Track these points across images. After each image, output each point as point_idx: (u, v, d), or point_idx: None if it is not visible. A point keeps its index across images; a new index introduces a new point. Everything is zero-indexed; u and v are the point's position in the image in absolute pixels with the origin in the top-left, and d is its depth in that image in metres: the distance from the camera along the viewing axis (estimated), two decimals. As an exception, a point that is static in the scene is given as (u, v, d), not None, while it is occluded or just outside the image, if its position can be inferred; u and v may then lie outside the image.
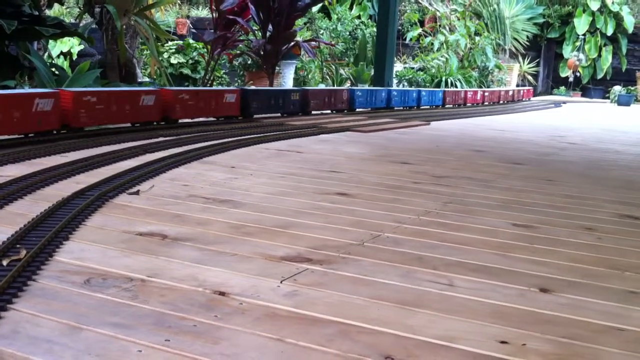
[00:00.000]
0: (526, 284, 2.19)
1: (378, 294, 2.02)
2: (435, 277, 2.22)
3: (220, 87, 7.78)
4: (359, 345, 1.64)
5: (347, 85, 15.36)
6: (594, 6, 21.81)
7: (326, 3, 17.36)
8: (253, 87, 9.12)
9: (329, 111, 9.24)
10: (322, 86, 14.09)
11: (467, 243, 2.71)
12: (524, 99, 17.95)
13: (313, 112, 8.79)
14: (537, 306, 1.99)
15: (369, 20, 18.77)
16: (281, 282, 2.07)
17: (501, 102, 15.80)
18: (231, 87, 7.86)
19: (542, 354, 1.66)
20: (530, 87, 19.98)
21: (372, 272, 2.24)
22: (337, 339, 1.67)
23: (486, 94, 15.15)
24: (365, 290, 2.05)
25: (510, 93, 16.99)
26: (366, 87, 13.19)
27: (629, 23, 21.74)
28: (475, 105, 14.10)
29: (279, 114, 8.21)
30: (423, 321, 1.82)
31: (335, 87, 10.55)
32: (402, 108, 11.35)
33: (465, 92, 14.02)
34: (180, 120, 6.63)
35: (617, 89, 20.75)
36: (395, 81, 15.36)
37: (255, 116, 7.71)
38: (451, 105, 13.17)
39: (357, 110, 9.92)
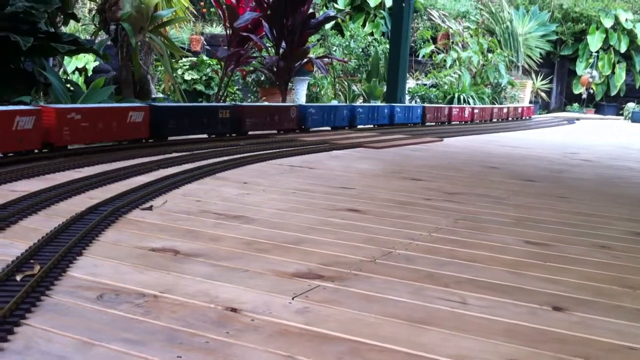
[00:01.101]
0: (538, 302, 2.18)
1: (389, 312, 2.02)
2: (447, 295, 2.21)
3: (123, 104, 6.10)
4: (370, 363, 1.64)
5: (360, 101, 15.38)
6: (608, 23, 21.79)
7: (339, 20, 17.44)
8: (168, 104, 7.33)
9: (275, 131, 7.98)
10: (334, 102, 14.11)
11: (478, 260, 2.70)
12: (524, 117, 16.88)
13: (251, 133, 7.48)
14: (549, 324, 1.98)
15: (382, 37, 18.85)
16: (293, 299, 2.08)
17: (494, 120, 14.81)
18: (137, 104, 6.25)
19: (554, 373, 1.65)
20: (532, 105, 18.83)
21: (383, 289, 2.24)
22: (348, 357, 1.67)
23: (475, 111, 14.04)
24: (376, 307, 2.05)
25: (505, 111, 15.85)
26: (321, 104, 11.97)
27: (643, 40, 21.69)
28: (464, 124, 13.06)
29: (205, 135, 6.88)
30: (434, 339, 1.82)
31: (280, 104, 8.74)
32: (372, 126, 10.18)
33: (450, 108, 12.99)
34: (70, 147, 5.31)
35: (631, 105, 20.69)
36: (407, 97, 15.37)
37: (172, 138, 6.35)
38: (434, 123, 12.08)
39: (311, 129, 8.66)
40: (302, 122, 8.44)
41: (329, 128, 9.07)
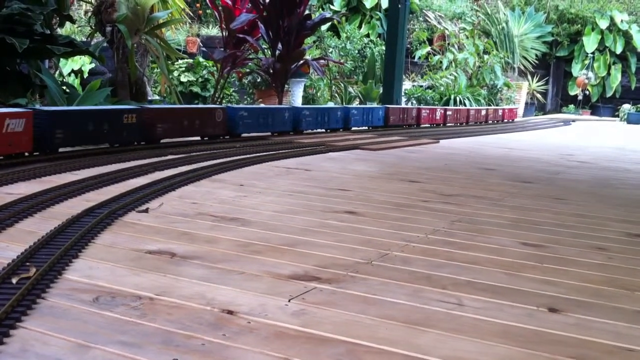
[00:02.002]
0: (535, 304, 2.18)
1: (386, 314, 2.01)
2: (444, 297, 2.21)
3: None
4: (366, 365, 1.64)
5: (356, 103, 15.39)
6: (603, 24, 21.84)
7: (335, 22, 17.45)
8: (57, 107, 5.69)
9: (198, 138, 6.84)
10: (331, 104, 14.10)
11: (475, 262, 2.70)
12: (505, 120, 15.95)
13: (163, 141, 6.35)
14: (546, 326, 1.98)
15: (378, 38, 18.87)
16: (289, 301, 2.07)
17: (470, 122, 13.76)
18: (16, 109, 4.96)
19: (551, 374, 1.65)
20: (515, 107, 17.85)
21: (380, 291, 2.24)
22: (344, 359, 1.66)
23: (448, 113, 12.90)
24: (373, 309, 2.05)
25: (484, 113, 14.78)
26: (256, 105, 10.96)
27: (638, 41, 21.75)
28: (435, 126, 12.05)
29: (106, 144, 5.77)
30: (431, 341, 1.82)
31: (202, 106, 7.60)
32: (323, 131, 9.06)
33: (419, 110, 11.82)
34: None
35: (627, 107, 20.73)
36: (404, 99, 15.38)
37: (63, 149, 5.26)
38: (395, 125, 10.79)
39: (243, 135, 7.55)
40: (232, 128, 7.21)
41: (258, 133, 7.81)
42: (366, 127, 9.95)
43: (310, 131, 8.77)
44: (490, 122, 14.96)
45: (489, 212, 3.89)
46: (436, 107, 12.88)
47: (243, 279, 2.29)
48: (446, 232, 3.26)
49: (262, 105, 11.12)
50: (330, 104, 14.03)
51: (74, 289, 2.07)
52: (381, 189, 4.58)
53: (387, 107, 10.56)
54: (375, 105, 13.04)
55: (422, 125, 11.57)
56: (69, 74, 13.37)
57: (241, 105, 7.99)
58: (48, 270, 2.18)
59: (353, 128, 9.71)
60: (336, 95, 15.92)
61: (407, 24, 15.35)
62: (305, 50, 10.92)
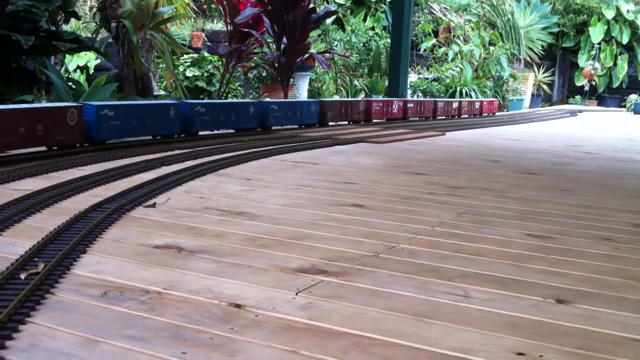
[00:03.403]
0: (542, 295, 2.19)
1: (393, 306, 2.02)
2: (450, 289, 2.22)
3: None
4: (374, 358, 1.65)
5: (362, 96, 15.37)
6: (609, 15, 21.73)
7: (340, 15, 17.41)
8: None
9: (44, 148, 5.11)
10: (336, 97, 14.09)
11: (482, 254, 2.70)
12: (484, 114, 14.09)
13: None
14: (553, 317, 1.99)
15: (383, 31, 18.82)
16: (296, 294, 2.08)
17: (438, 117, 12.03)
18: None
19: (558, 365, 1.66)
20: (496, 100, 15.92)
21: (387, 283, 2.24)
22: (352, 351, 1.67)
23: (409, 105, 11.07)
24: (380, 302, 2.06)
25: (456, 106, 12.93)
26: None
27: (645, 31, 21.64)
28: (391, 121, 10.30)
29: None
30: (438, 333, 1.82)
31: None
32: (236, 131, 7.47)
33: (369, 103, 9.98)
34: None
35: (633, 97, 20.63)
36: (409, 92, 15.35)
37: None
38: (334, 124, 9.04)
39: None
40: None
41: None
42: (297, 126, 8.27)
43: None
44: (465, 116, 13.18)
45: (495, 204, 3.89)
46: (392, 99, 10.92)
47: (250, 272, 2.30)
48: (452, 224, 3.26)
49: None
50: (336, 97, 14.00)
51: (83, 284, 2.09)
52: (387, 182, 4.58)
53: (321, 101, 8.86)
54: (304, 99, 11.69)
55: (374, 121, 10.02)
56: (75, 70, 13.39)
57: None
58: (56, 266, 2.19)
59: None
60: (342, 88, 15.90)
61: (412, 16, 15.30)
62: (310, 43, 10.90)
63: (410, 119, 10.99)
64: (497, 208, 3.77)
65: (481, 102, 14.39)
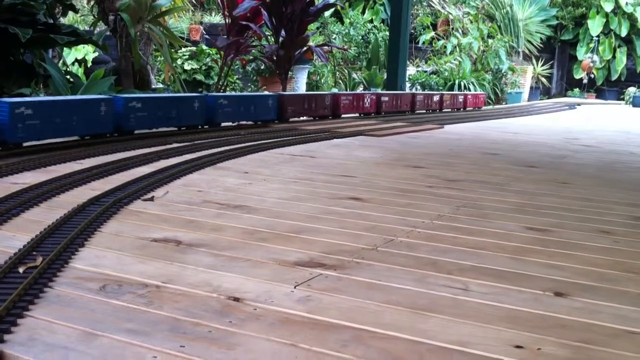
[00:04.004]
0: (541, 288, 2.19)
1: (392, 299, 2.02)
2: (449, 282, 2.22)
3: None
4: (372, 351, 1.64)
5: (360, 89, 15.35)
6: (608, 7, 21.70)
7: (338, 7, 17.38)
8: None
9: None
10: (334, 90, 14.08)
11: (481, 247, 2.70)
12: (468, 109, 13.21)
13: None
14: (552, 310, 1.99)
15: (382, 24, 18.78)
16: (295, 288, 2.08)
17: (418, 110, 11.15)
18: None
19: (558, 358, 1.66)
20: (483, 93, 14.82)
21: (385, 277, 2.24)
22: (350, 344, 1.67)
23: (384, 99, 10.13)
24: (378, 295, 2.06)
25: (436, 99, 12.00)
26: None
27: (643, 24, 21.61)
28: (364, 116, 9.57)
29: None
30: (437, 326, 1.82)
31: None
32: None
33: (336, 97, 9.11)
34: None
35: (632, 90, 20.64)
36: (408, 85, 15.33)
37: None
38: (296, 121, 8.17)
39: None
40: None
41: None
42: (252, 122, 7.46)
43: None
44: (447, 110, 12.36)
45: (494, 197, 3.89)
46: (364, 93, 10.26)
47: (249, 266, 2.29)
48: (451, 218, 3.26)
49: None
50: (334, 91, 13.99)
51: (81, 277, 2.08)
52: (386, 175, 4.58)
53: (281, 94, 8.00)
54: (261, 93, 10.41)
55: (344, 116, 9.19)
56: (73, 63, 13.37)
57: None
58: (55, 260, 2.19)
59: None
60: (340, 81, 15.88)
61: (411, 9, 15.27)
62: (308, 36, 10.89)
63: (384, 113, 10.18)
64: (496, 201, 3.76)
65: (465, 95, 13.53)
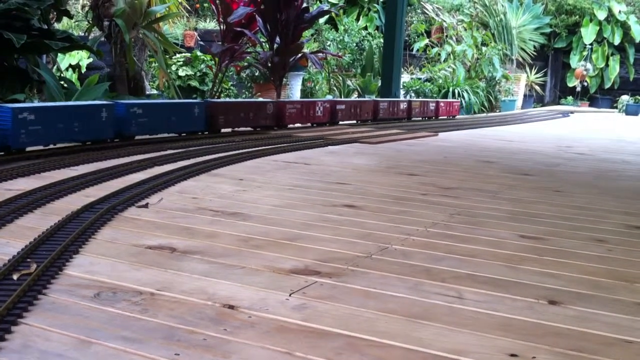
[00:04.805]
0: (535, 296, 2.19)
1: (386, 307, 2.02)
2: (444, 290, 2.22)
3: None
4: (367, 359, 1.65)
5: (354, 96, 15.37)
6: (601, 15, 21.80)
7: (333, 14, 17.41)
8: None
9: None
10: (329, 97, 14.09)
11: (475, 255, 2.71)
12: (441, 117, 12.13)
13: None
14: (546, 319, 1.99)
15: (376, 31, 18.82)
16: (290, 295, 2.08)
17: (381, 117, 10.19)
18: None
19: (551, 367, 1.66)
20: (457, 101, 13.80)
21: (380, 284, 2.24)
22: (345, 353, 1.67)
23: (339, 106, 9.19)
24: (373, 303, 2.06)
25: (403, 107, 10.96)
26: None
27: (636, 32, 21.70)
28: (316, 126, 8.56)
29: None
30: (432, 334, 1.83)
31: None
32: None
33: (281, 105, 8.01)
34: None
35: (625, 98, 20.71)
36: (402, 92, 15.35)
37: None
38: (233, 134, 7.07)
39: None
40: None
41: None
42: (175, 135, 6.42)
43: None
44: (416, 118, 11.35)
45: (488, 205, 3.90)
46: (316, 100, 9.36)
47: (244, 273, 2.29)
48: (445, 225, 3.27)
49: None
50: (329, 97, 14.00)
51: (75, 284, 2.08)
52: (380, 183, 4.58)
53: (209, 102, 6.91)
54: (187, 100, 8.07)
55: (290, 126, 8.17)
56: (67, 69, 13.33)
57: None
58: (49, 266, 2.19)
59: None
60: (334, 88, 15.90)
61: (405, 16, 15.31)
62: (303, 43, 10.89)
63: (340, 122, 9.24)
64: (490, 209, 3.77)
65: (437, 102, 12.34)
